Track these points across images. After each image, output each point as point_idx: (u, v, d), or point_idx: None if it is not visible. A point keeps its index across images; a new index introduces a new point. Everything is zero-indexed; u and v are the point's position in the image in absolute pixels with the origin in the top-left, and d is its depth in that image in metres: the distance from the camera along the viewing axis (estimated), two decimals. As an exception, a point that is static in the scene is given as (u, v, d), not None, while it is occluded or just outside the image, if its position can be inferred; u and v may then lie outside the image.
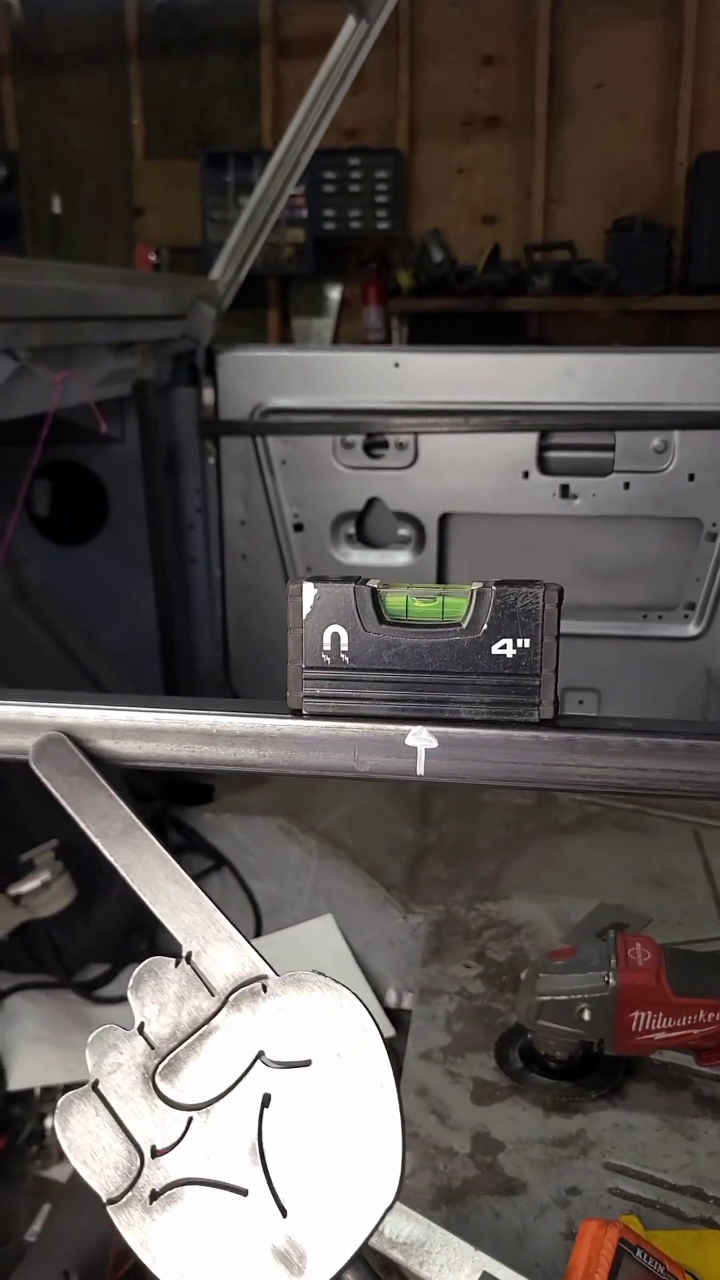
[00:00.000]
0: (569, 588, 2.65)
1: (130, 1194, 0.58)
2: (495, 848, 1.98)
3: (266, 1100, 0.58)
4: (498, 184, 4.72)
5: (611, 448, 2.73)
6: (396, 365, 2.79)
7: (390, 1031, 1.63)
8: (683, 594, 2.80)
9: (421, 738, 0.74)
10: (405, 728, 0.74)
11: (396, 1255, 1.07)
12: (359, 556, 2.90)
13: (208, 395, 2.84)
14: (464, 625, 0.73)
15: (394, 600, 0.75)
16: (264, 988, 0.61)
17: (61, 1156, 1.42)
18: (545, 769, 0.74)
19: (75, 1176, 1.27)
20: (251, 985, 0.62)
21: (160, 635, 2.85)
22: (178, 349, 2.73)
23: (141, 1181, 0.58)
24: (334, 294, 4.93)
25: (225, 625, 3.01)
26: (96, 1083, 0.60)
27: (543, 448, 2.75)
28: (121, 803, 0.72)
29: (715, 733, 0.73)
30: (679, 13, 4.42)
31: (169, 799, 1.82)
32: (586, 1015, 1.36)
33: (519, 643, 0.73)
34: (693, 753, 0.73)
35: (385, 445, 2.79)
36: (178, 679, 2.90)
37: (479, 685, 0.73)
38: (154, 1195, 0.58)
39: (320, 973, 0.62)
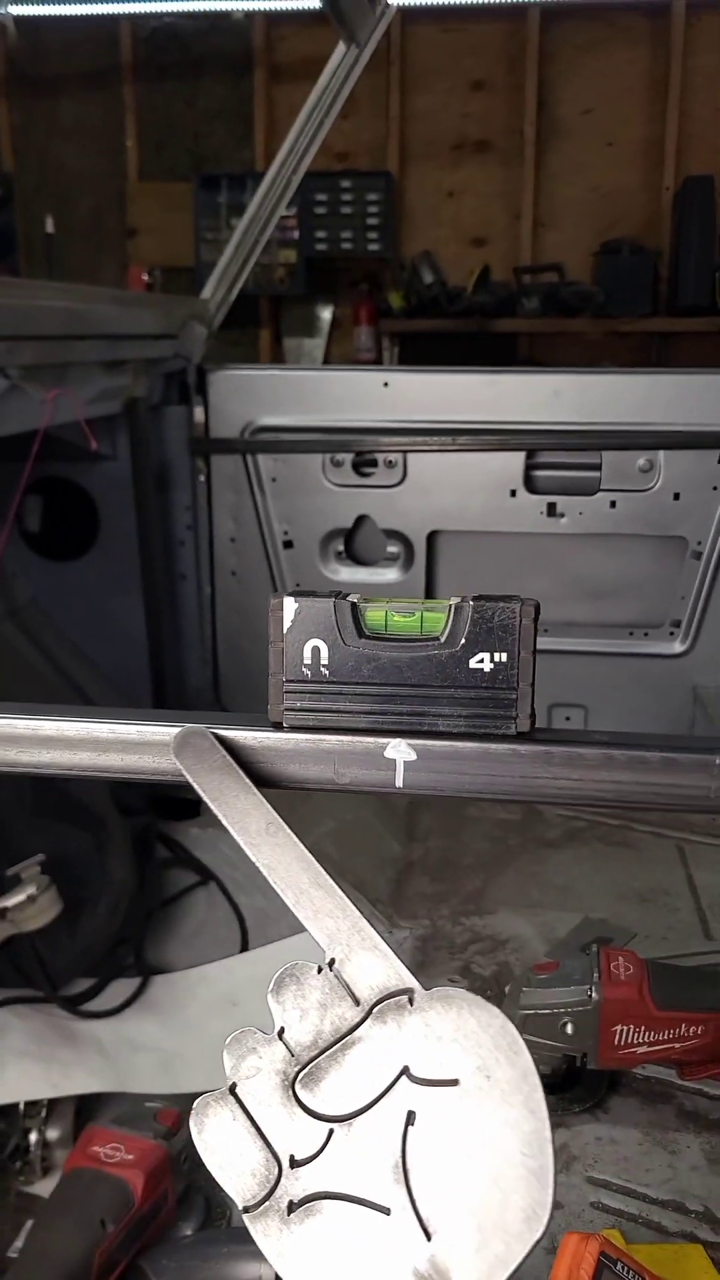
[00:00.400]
0: (556, 605, 2.69)
1: (268, 1203, 0.56)
2: (481, 863, 1.98)
3: (411, 1118, 0.56)
4: (487, 207, 4.78)
5: (598, 467, 2.76)
6: (386, 385, 2.82)
7: (375, 1046, 1.64)
8: (668, 612, 2.82)
9: (400, 750, 0.75)
10: (384, 740, 0.75)
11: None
12: (348, 574, 2.92)
13: (198, 413, 2.86)
14: (442, 639, 0.75)
15: (373, 615, 0.77)
16: (410, 1001, 0.59)
17: (46, 1172, 1.42)
18: (522, 781, 0.75)
19: (58, 1192, 1.27)
20: (397, 998, 0.60)
21: (150, 652, 2.86)
22: (169, 367, 2.75)
23: (279, 1191, 0.56)
24: (325, 314, 4.97)
25: (215, 642, 3.02)
26: (234, 1086, 0.59)
27: (530, 467, 2.77)
28: (264, 801, 0.71)
29: (690, 746, 0.75)
30: (665, 41, 4.48)
31: (157, 813, 1.82)
32: (569, 1029, 1.37)
33: (496, 657, 0.75)
34: (667, 766, 0.74)
35: (374, 463, 2.82)
36: (167, 695, 2.91)
37: (457, 699, 0.75)
38: (292, 1206, 0.56)
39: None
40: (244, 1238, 1.29)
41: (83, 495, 2.91)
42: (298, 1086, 0.58)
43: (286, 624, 0.76)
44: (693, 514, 2.76)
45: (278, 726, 0.77)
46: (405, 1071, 0.57)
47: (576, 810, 2.16)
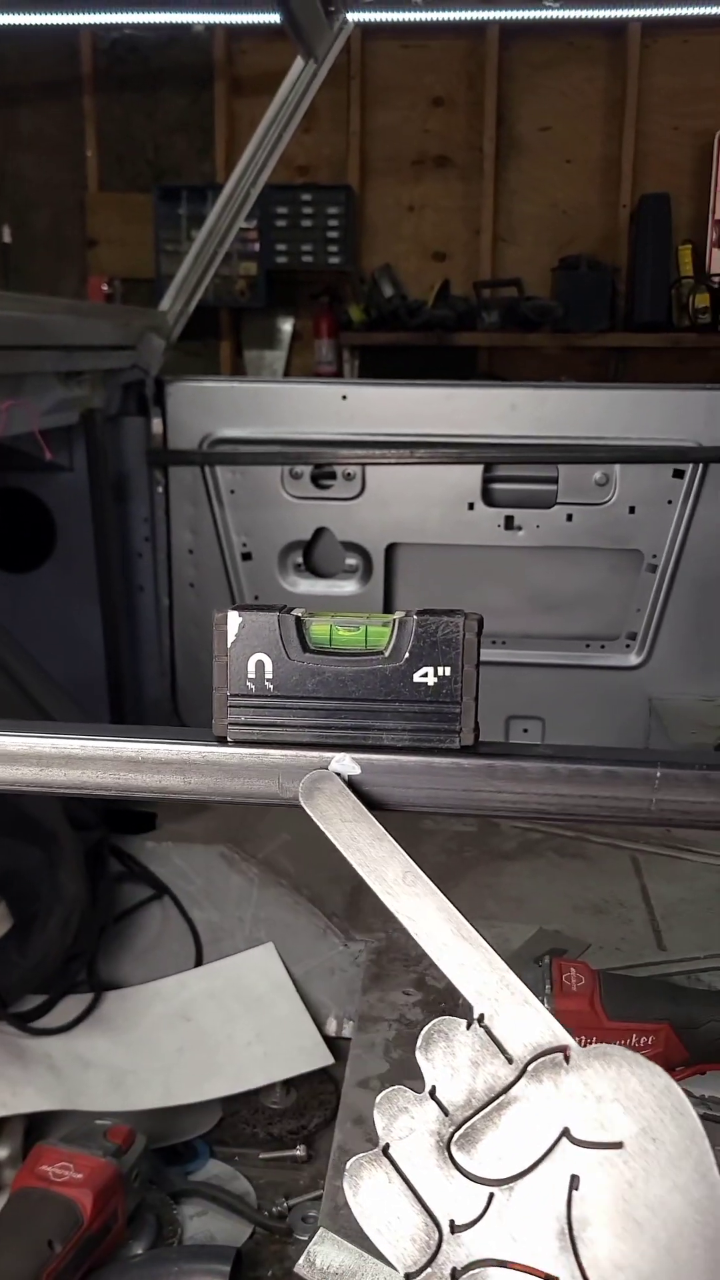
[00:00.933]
0: (514, 617, 2.71)
1: (430, 1270, 0.55)
2: (436, 875, 1.97)
3: (575, 1181, 0.54)
4: (447, 222, 4.81)
5: (554, 480, 2.78)
6: (344, 398, 2.83)
7: (329, 1060, 1.63)
8: (624, 624, 2.85)
9: (344, 764, 0.75)
10: (328, 755, 0.75)
11: (327, 1285, 1.07)
12: (307, 586, 2.92)
13: (156, 425, 2.85)
14: (386, 654, 0.75)
15: (318, 629, 0.77)
16: (566, 1058, 0.57)
17: (-6, 1192, 1.39)
18: (466, 795, 0.76)
19: (4, 1212, 1.25)
20: (552, 1055, 0.57)
21: (107, 664, 2.84)
22: (127, 379, 2.74)
23: (441, 1257, 0.55)
24: (286, 327, 4.98)
25: (173, 654, 3.01)
26: (387, 1147, 0.57)
27: (487, 480, 2.80)
28: (399, 848, 0.68)
29: (632, 759, 0.76)
30: (622, 62, 4.55)
31: (110, 827, 1.81)
32: (522, 1041, 1.37)
33: (440, 671, 0.75)
34: (609, 779, 0.75)
35: (333, 476, 2.82)
36: (125, 708, 2.89)
37: (401, 712, 0.75)
38: (455, 1274, 0.54)
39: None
40: (196, 1256, 1.28)
41: (39, 506, 2.89)
42: (454, 1148, 0.56)
43: (231, 638, 0.76)
44: (648, 527, 2.79)
45: (222, 741, 0.76)
46: (566, 1133, 0.55)
47: (531, 822, 2.17)
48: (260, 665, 0.76)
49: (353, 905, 1.89)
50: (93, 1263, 1.25)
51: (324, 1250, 1.13)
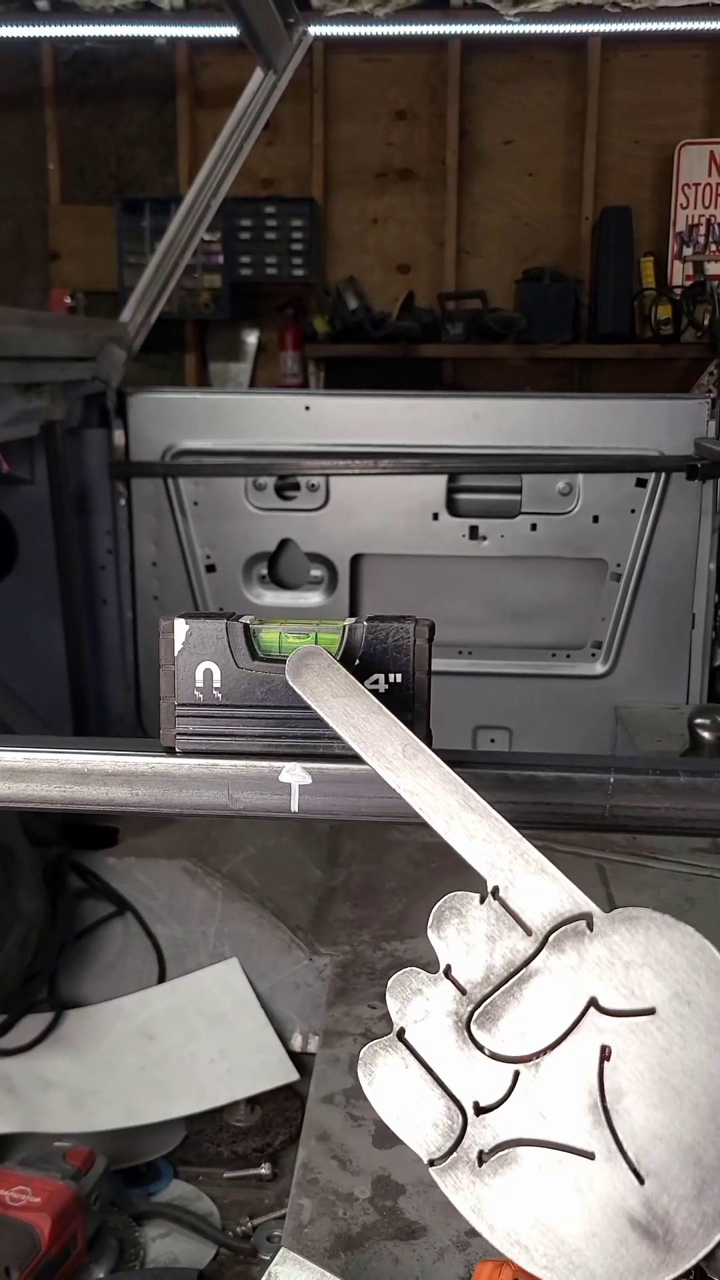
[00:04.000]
0: (480, 627, 2.72)
1: (456, 1154, 0.52)
2: (403, 887, 1.97)
3: (605, 1053, 0.51)
4: (411, 234, 4.83)
5: (518, 490, 2.79)
6: (307, 408, 2.82)
7: (294, 1076, 1.61)
8: (589, 633, 2.86)
9: (295, 774, 0.74)
10: (279, 764, 0.74)
11: (289, 1306, 1.05)
12: (272, 597, 2.91)
13: (118, 436, 2.83)
14: (337, 660, 0.74)
15: (267, 636, 0.75)
16: (589, 926, 0.54)
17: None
18: (419, 803, 0.75)
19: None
20: (574, 924, 0.54)
21: (70, 678, 2.81)
22: (87, 390, 2.72)
23: (467, 1141, 0.52)
24: (251, 339, 4.97)
25: (137, 668, 2.98)
26: (403, 1031, 0.53)
27: (452, 490, 2.80)
28: (397, 721, 0.64)
29: (585, 766, 0.75)
30: (583, 77, 4.59)
31: (71, 843, 1.78)
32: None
33: (391, 678, 0.74)
34: (562, 785, 0.74)
35: (297, 487, 2.81)
36: (89, 723, 2.86)
37: (352, 721, 0.74)
38: (483, 1156, 0.52)
39: (655, 909, 0.55)
40: (158, 1279, 1.26)
41: (0, 519, 2.86)
42: (474, 1027, 0.53)
43: (177, 646, 0.74)
44: (611, 537, 2.80)
45: (170, 752, 0.75)
46: (593, 1003, 0.52)
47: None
48: (208, 674, 0.74)
49: (318, 919, 1.87)
50: (51, 1289, 1.22)
51: (286, 1271, 1.11)
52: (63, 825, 1.78)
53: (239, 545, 2.85)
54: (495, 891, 0.56)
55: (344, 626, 0.74)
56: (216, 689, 0.74)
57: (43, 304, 4.81)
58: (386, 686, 0.74)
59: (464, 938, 0.55)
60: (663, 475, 2.74)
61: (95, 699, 2.91)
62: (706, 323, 4.41)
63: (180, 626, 0.74)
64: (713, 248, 4.60)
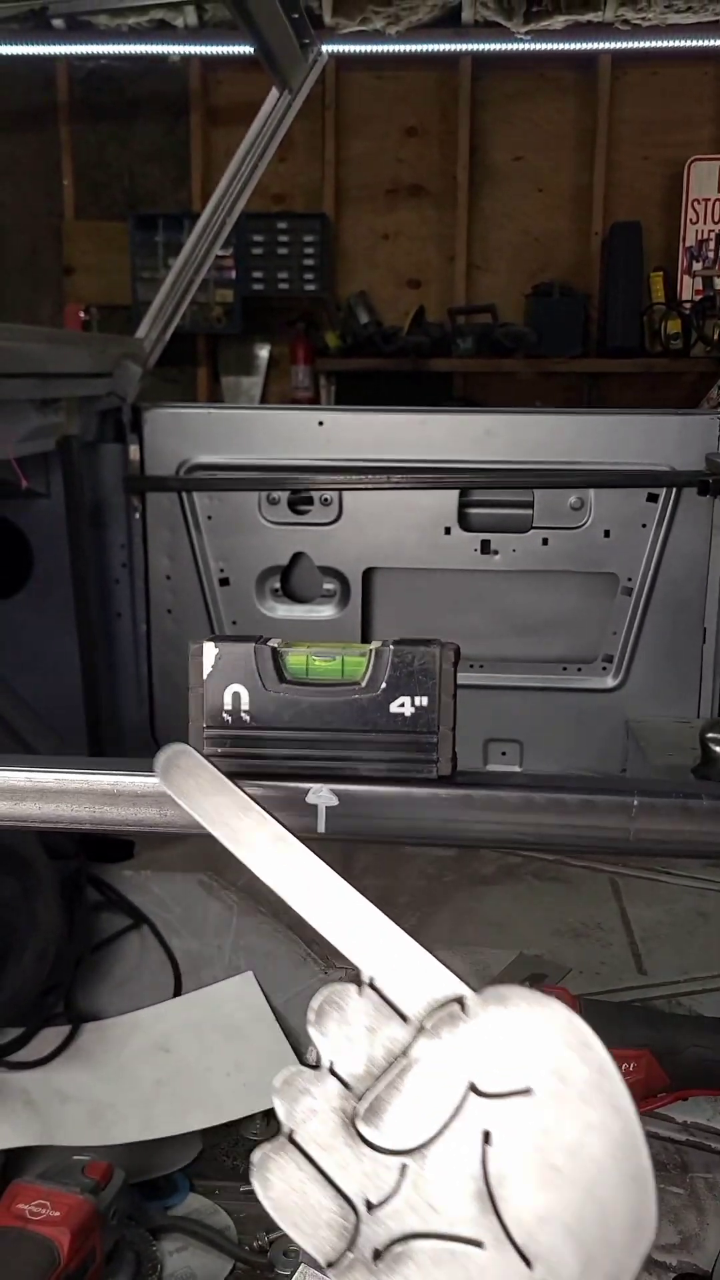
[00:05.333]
0: (491, 641, 2.72)
1: (351, 1254, 0.51)
2: (416, 901, 1.98)
3: (487, 1137, 0.51)
4: (421, 249, 4.86)
5: (530, 505, 2.80)
6: (320, 423, 2.84)
7: (310, 1091, 1.62)
8: (600, 647, 2.86)
9: (322, 795, 0.75)
10: (306, 785, 0.75)
11: (306, 1321, 1.05)
12: (284, 611, 2.93)
13: (133, 451, 2.85)
14: (363, 684, 0.75)
15: (294, 660, 0.77)
16: (462, 1008, 0.54)
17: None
18: (444, 825, 0.76)
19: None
20: (448, 1007, 0.54)
21: (85, 691, 2.82)
22: (103, 406, 2.74)
23: (361, 1240, 0.51)
24: (263, 353, 5.00)
25: (151, 681, 3.00)
26: (291, 1133, 0.53)
27: (463, 504, 2.81)
28: (268, 815, 0.65)
29: (609, 788, 0.76)
30: (592, 94, 4.62)
31: (87, 855, 1.79)
32: (503, 1069, 1.37)
33: (417, 701, 0.75)
34: (586, 808, 0.75)
35: (310, 501, 2.83)
36: (102, 735, 2.87)
37: (378, 743, 0.75)
38: (377, 1254, 0.51)
39: (525, 985, 0.54)
40: (174, 1294, 1.26)
41: (15, 533, 2.88)
42: (359, 1123, 0.53)
43: (207, 670, 0.76)
44: (623, 551, 2.81)
45: (199, 773, 0.76)
46: (472, 1088, 0.52)
47: (509, 850, 2.17)
48: (237, 696, 0.76)
49: (332, 932, 1.88)
50: (70, 1302, 1.23)
51: (299, 1287, 1.12)
52: (80, 838, 1.80)
53: (252, 559, 2.87)
54: (370, 982, 0.56)
55: (370, 650, 0.75)
56: (245, 711, 0.76)
57: (57, 318, 4.86)
58: (412, 710, 0.75)
59: (344, 1031, 0.55)
60: (674, 491, 2.75)
61: (109, 712, 2.93)
62: (716, 337, 4.43)
63: (209, 650, 0.75)
64: (722, 263, 4.62)
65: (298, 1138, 0.53)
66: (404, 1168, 0.52)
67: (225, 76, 4.75)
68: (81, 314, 4.72)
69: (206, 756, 0.77)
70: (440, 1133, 0.52)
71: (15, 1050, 1.59)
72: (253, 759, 0.75)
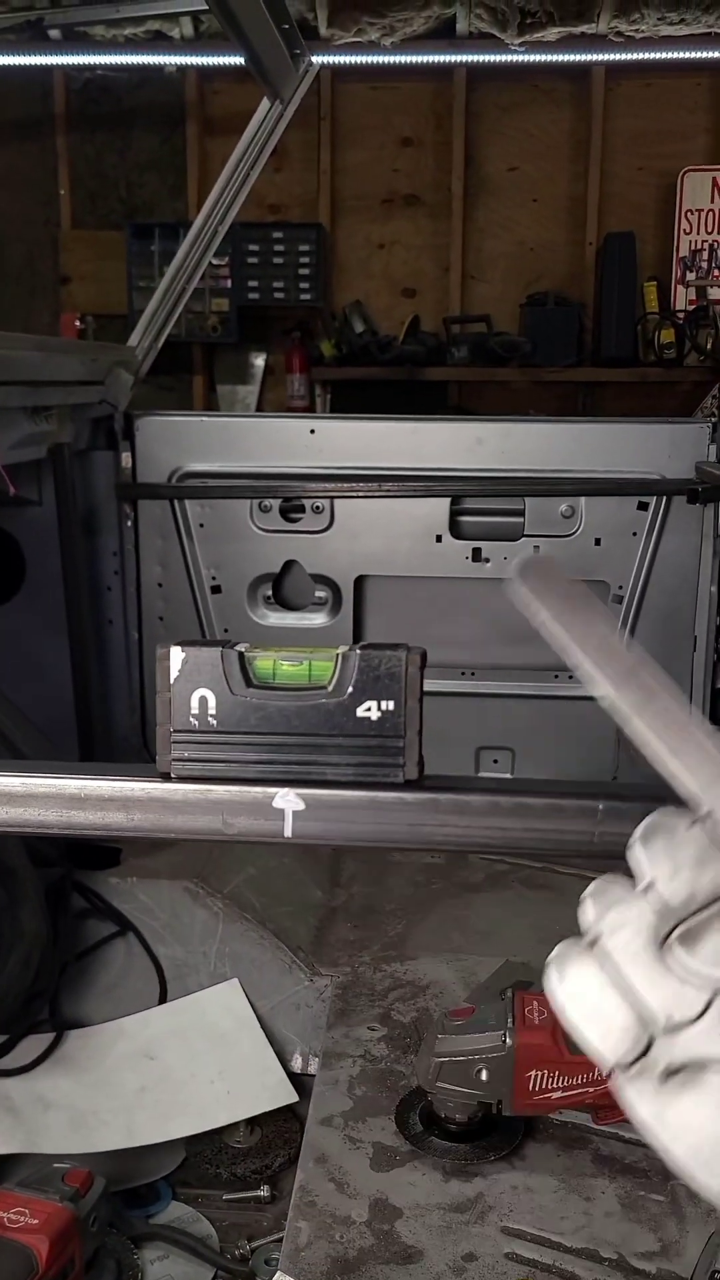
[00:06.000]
0: (482, 648, 2.72)
1: (642, 1063, 0.50)
2: (403, 908, 1.98)
3: None
4: (417, 259, 4.87)
5: (521, 513, 2.81)
6: (312, 431, 2.85)
7: (293, 1098, 1.62)
8: (592, 655, 2.86)
9: (289, 800, 0.75)
10: (273, 790, 0.75)
11: (284, 1329, 1.05)
12: (276, 618, 2.93)
13: (125, 459, 2.86)
14: (330, 689, 0.75)
15: (262, 664, 0.77)
16: None
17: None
18: (411, 829, 0.76)
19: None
20: None
21: (76, 699, 2.82)
22: (95, 413, 2.75)
23: (655, 1053, 0.50)
24: (258, 362, 5.01)
25: (142, 689, 3.00)
26: (597, 938, 0.52)
27: (455, 512, 2.81)
28: (626, 636, 0.61)
29: (575, 792, 0.76)
30: (586, 105, 4.64)
31: (73, 863, 1.79)
32: (484, 1076, 1.37)
33: (383, 705, 0.76)
34: (552, 812, 0.75)
35: (302, 509, 2.83)
36: (94, 743, 2.87)
37: (345, 747, 0.75)
38: (670, 1070, 0.50)
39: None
40: (153, 1302, 1.25)
41: (7, 540, 2.88)
42: (675, 943, 0.51)
43: (174, 674, 0.76)
44: (613, 559, 2.82)
45: (166, 777, 0.77)
46: None
47: (479, 855, 2.17)
48: (204, 700, 0.76)
49: (319, 939, 1.88)
50: (48, 1310, 1.22)
51: (281, 1294, 1.12)
52: (65, 846, 1.79)
53: (244, 567, 2.87)
54: (708, 815, 0.54)
55: (337, 654, 0.76)
56: (212, 716, 0.76)
57: (53, 327, 4.86)
58: (378, 714, 0.76)
59: (671, 857, 0.53)
60: (664, 499, 2.75)
61: (101, 719, 2.92)
62: (709, 346, 4.44)
63: (176, 654, 0.76)
64: (715, 273, 4.63)
65: (604, 943, 0.52)
66: (713, 998, 0.50)
67: (221, 87, 4.77)
68: (77, 323, 4.73)
69: (173, 760, 0.77)
70: None
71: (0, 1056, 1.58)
72: (219, 763, 0.76)
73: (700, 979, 0.51)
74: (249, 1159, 1.57)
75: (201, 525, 2.87)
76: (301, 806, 0.75)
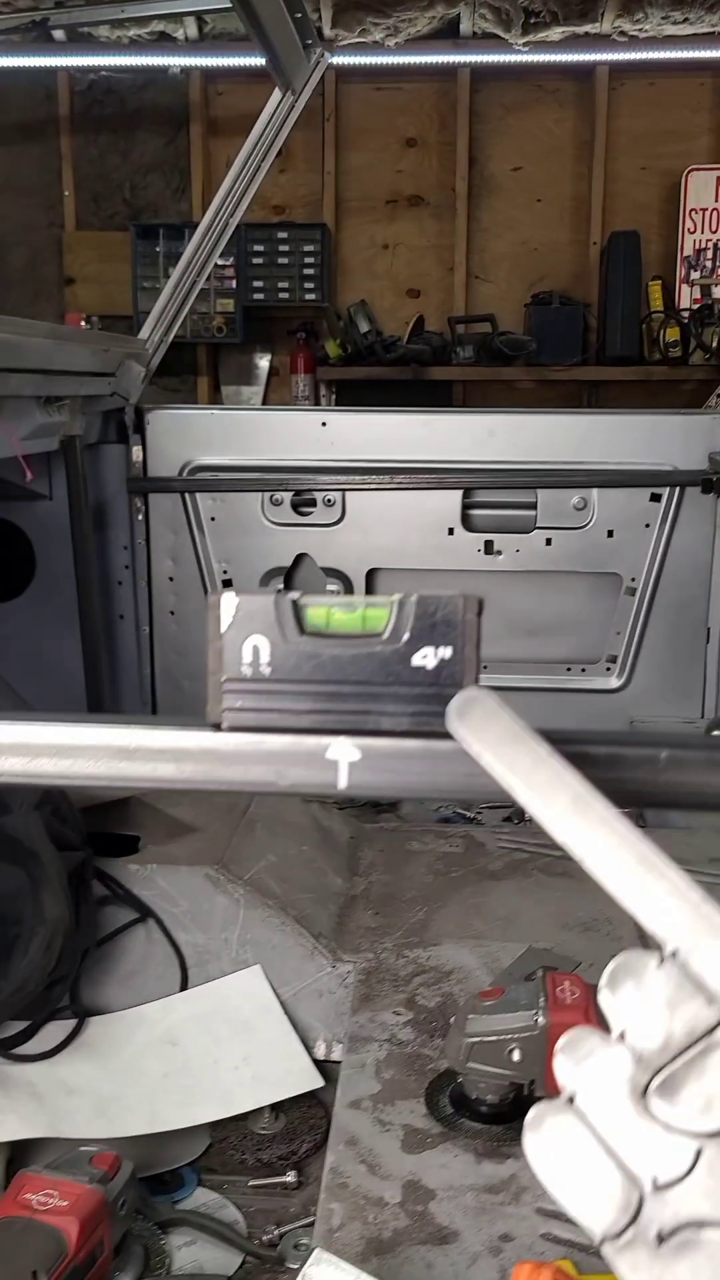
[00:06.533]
0: (495, 642, 2.72)
1: (632, 1231, 0.48)
2: (423, 895, 1.96)
3: None
4: (421, 260, 4.88)
5: (533, 506, 2.80)
6: (324, 424, 2.84)
7: (319, 1083, 1.60)
8: (604, 647, 2.86)
9: (343, 750, 0.74)
10: (326, 740, 0.74)
11: (325, 1306, 1.03)
12: (288, 613, 2.91)
13: (136, 452, 2.85)
14: (385, 636, 0.74)
15: (314, 612, 0.76)
16: None
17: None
18: (468, 779, 0.74)
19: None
20: None
21: (87, 693, 2.81)
22: (106, 406, 2.74)
23: (644, 1218, 0.48)
24: (263, 362, 5.01)
25: (154, 683, 2.99)
26: (574, 1096, 0.50)
27: (466, 505, 2.81)
28: (570, 767, 0.60)
29: (636, 741, 0.75)
30: (590, 105, 4.66)
31: (93, 849, 1.77)
32: (516, 1056, 1.35)
33: (440, 652, 0.74)
34: (613, 761, 0.74)
35: (313, 503, 2.83)
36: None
37: (400, 696, 0.74)
38: (662, 1236, 0.48)
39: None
40: (185, 1285, 1.23)
41: (18, 535, 2.87)
42: (652, 1096, 0.49)
43: (225, 621, 0.74)
44: (626, 551, 2.81)
45: (217, 728, 0.75)
46: None
47: (519, 841, 2.15)
48: (256, 649, 0.74)
49: (340, 926, 1.86)
50: (79, 1293, 1.20)
51: (320, 1272, 1.10)
52: (85, 831, 1.78)
53: (255, 560, 2.86)
54: (675, 954, 0.52)
55: (393, 601, 0.74)
56: (265, 664, 0.74)
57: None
58: (435, 661, 0.74)
59: (641, 1001, 0.51)
60: (677, 490, 2.75)
61: (112, 713, 2.91)
62: (715, 345, 4.44)
63: (229, 601, 0.74)
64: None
65: (580, 1101, 0.49)
66: (700, 1151, 0.48)
67: (225, 88, 4.78)
68: (82, 323, 4.73)
69: (225, 710, 0.76)
70: None
71: (21, 1043, 1.56)
72: (272, 713, 0.74)
73: (684, 1131, 0.49)
74: (275, 1145, 1.55)
75: (213, 519, 2.87)
76: (357, 756, 0.73)
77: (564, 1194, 0.49)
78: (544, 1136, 0.49)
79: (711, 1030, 0.50)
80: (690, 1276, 0.47)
